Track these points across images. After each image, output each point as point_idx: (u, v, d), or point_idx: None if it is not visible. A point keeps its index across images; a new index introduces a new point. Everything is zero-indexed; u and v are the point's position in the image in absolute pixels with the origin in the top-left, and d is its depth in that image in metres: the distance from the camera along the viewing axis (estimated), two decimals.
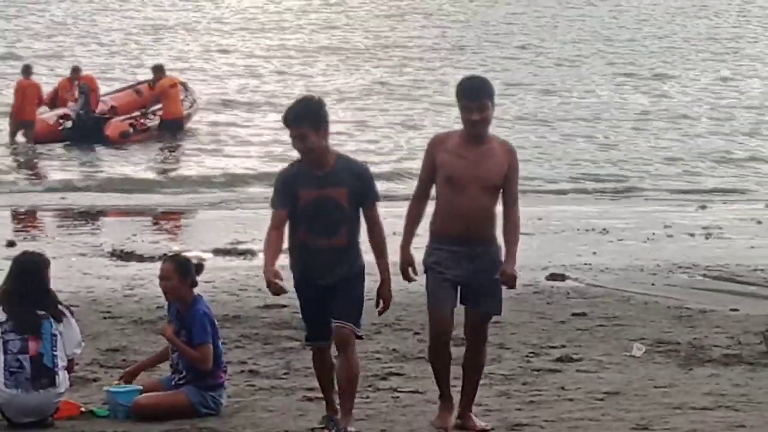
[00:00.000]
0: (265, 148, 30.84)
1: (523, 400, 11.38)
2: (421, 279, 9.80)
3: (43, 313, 10.89)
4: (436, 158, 9.15)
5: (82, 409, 11.33)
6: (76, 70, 31.97)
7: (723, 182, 28.37)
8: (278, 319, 15.21)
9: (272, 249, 9.49)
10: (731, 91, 43.35)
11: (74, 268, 18.53)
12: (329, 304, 9.45)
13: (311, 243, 9.37)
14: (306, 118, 9.09)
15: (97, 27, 50.56)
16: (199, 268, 11.67)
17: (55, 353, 10.88)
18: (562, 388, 11.85)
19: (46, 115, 30.47)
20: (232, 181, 27.86)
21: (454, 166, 9.06)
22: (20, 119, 30.23)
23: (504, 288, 9.37)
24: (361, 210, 9.53)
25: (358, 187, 9.23)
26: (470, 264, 9.22)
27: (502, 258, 9.49)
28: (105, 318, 15.01)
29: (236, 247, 20.50)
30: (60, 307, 11.15)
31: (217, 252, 20.06)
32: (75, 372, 11.46)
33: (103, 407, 11.40)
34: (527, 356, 13.86)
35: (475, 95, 9.05)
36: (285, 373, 12.89)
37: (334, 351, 10.13)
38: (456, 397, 10.00)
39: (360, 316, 9.58)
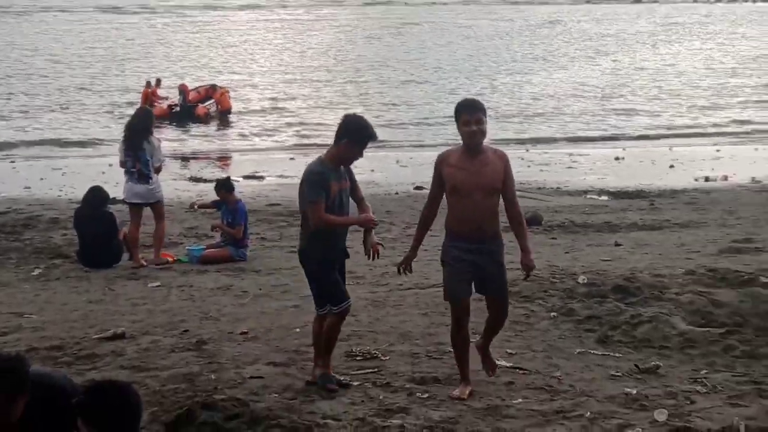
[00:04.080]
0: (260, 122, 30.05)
1: (405, 250, 11.22)
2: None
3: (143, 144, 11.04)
4: (442, 172, 6.33)
5: (175, 258, 11.46)
6: (159, 81, 31.51)
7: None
8: (277, 211, 15.08)
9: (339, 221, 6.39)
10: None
11: (170, 186, 18.38)
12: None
13: None
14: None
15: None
16: (230, 183, 11.81)
17: (148, 167, 11.02)
18: (422, 244, 11.81)
19: (163, 104, 30.07)
20: (262, 141, 27.33)
21: (458, 177, 6.25)
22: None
23: (524, 276, 6.59)
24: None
25: (351, 179, 6.52)
26: (481, 257, 6.27)
27: (505, 251, 6.49)
28: (186, 211, 14.90)
29: (254, 174, 20.28)
30: (154, 138, 11.27)
31: (246, 177, 19.85)
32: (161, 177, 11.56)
33: (185, 257, 11.44)
34: (405, 227, 13.33)
35: (472, 110, 6.26)
36: (279, 238, 12.86)
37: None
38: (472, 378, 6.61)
39: None
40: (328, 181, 6.30)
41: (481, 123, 6.21)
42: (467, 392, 6.36)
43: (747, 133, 27.38)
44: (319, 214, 6.25)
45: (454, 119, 6.31)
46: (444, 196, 6.39)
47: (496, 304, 6.47)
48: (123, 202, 11.35)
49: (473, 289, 6.41)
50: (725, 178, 19.33)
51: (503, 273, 6.39)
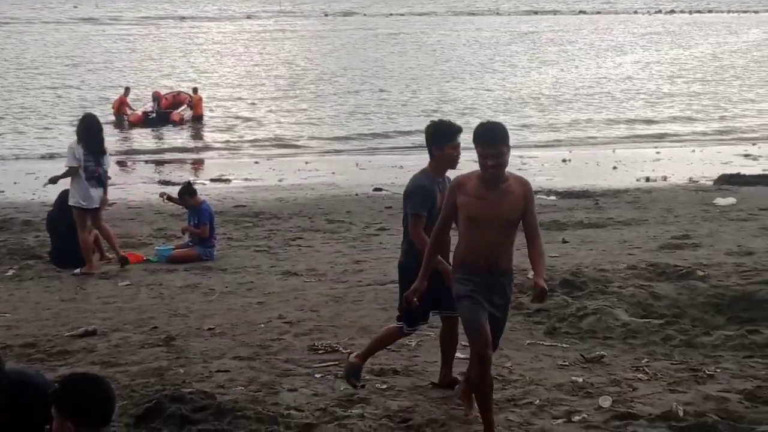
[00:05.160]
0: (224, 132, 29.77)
1: (365, 248, 11.30)
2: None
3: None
4: (457, 199, 5.27)
5: (145, 258, 11.30)
6: (127, 89, 30.95)
7: None
8: (242, 212, 14.97)
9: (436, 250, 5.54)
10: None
11: (141, 189, 18.18)
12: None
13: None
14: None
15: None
16: (192, 188, 11.68)
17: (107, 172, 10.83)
18: (380, 243, 11.86)
19: (138, 111, 29.56)
20: (229, 146, 27.02)
21: (475, 207, 5.21)
22: (117, 113, 29.71)
23: (535, 301, 5.50)
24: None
25: None
26: (492, 294, 5.29)
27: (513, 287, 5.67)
28: (155, 213, 14.76)
29: (221, 177, 20.15)
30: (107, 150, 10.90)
31: (213, 180, 19.73)
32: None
33: (154, 257, 11.28)
34: (364, 227, 13.57)
35: (490, 142, 5.14)
36: (245, 238, 12.76)
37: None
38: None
39: None
40: (435, 193, 5.82)
41: (499, 156, 5.14)
42: None
43: (685, 136, 27.72)
44: (418, 228, 5.78)
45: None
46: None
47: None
48: (79, 207, 10.50)
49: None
50: (664, 178, 19.55)
51: (506, 312, 5.54)
